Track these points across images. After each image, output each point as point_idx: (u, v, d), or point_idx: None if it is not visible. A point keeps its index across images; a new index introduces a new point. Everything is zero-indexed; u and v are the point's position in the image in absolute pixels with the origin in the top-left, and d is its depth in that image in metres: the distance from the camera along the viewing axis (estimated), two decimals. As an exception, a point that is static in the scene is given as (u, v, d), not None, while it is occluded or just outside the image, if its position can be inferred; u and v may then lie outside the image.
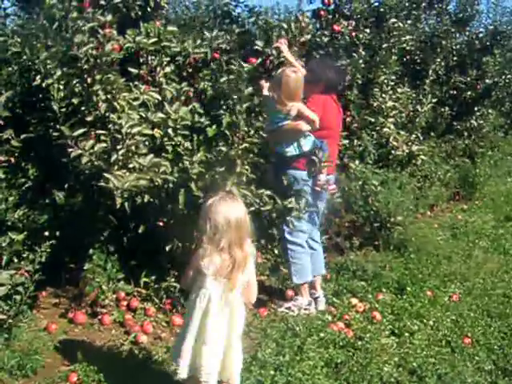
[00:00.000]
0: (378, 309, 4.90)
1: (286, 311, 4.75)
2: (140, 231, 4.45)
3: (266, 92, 4.50)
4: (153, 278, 4.61)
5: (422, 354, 4.27)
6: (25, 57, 4.19)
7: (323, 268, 5.10)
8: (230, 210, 2.98)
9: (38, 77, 3.95)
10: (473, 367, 4.19)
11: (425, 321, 4.82)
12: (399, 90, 7.23)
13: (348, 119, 6.23)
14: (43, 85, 3.93)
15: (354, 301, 5.00)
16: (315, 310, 4.85)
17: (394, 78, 7.05)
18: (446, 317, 4.97)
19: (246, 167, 4.13)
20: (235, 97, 4.05)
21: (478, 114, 10.25)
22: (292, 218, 4.27)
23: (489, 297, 5.57)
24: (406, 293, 5.31)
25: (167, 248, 4.43)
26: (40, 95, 4.37)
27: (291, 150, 4.49)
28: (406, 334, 4.56)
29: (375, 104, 6.68)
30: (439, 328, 4.76)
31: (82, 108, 3.87)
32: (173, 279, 4.54)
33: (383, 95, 6.77)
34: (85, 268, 4.37)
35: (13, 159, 4.22)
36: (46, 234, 4.20)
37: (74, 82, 3.82)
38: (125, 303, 4.55)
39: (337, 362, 3.97)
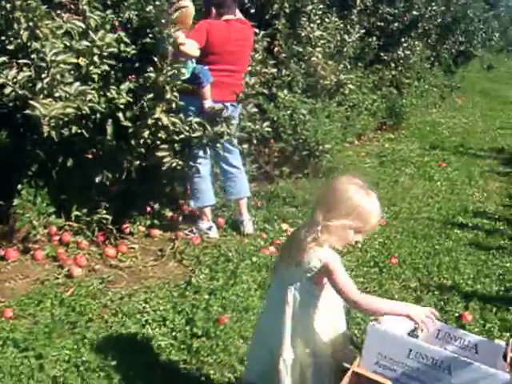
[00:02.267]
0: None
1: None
2: (69, 164, 4.39)
3: None
4: (84, 211, 4.58)
5: (351, 275, 4.41)
6: None
7: (245, 191, 5.11)
8: None
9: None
10: (399, 285, 4.40)
11: (354, 243, 4.97)
12: (327, 19, 7.21)
13: (276, 49, 6.21)
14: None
15: (285, 226, 5.12)
16: (217, 234, 4.94)
17: (321, 7, 7.03)
18: (374, 239, 5.16)
19: (175, 94, 4.09)
20: (163, 22, 3.97)
21: (404, 45, 10.38)
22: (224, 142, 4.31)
23: (414, 220, 5.82)
24: (336, 218, 5.46)
25: (97, 180, 4.40)
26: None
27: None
28: (337, 257, 4.71)
29: (303, 34, 6.67)
30: (368, 250, 4.95)
31: (2, 37, 3.73)
32: (104, 211, 4.53)
33: (311, 25, 6.75)
34: (14, 204, 4.29)
35: None
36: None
37: (-8, 9, 3.67)
38: (57, 238, 4.51)
39: (269, 284, 4.08)
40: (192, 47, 4.35)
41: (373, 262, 4.73)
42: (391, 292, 4.23)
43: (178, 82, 4.06)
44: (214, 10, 4.69)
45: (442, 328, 2.64)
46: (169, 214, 5.03)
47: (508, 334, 3.71)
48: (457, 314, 4.01)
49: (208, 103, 4.55)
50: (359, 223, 2.33)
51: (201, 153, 4.55)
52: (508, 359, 2.39)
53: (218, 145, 4.43)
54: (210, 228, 4.89)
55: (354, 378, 2.24)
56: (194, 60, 4.47)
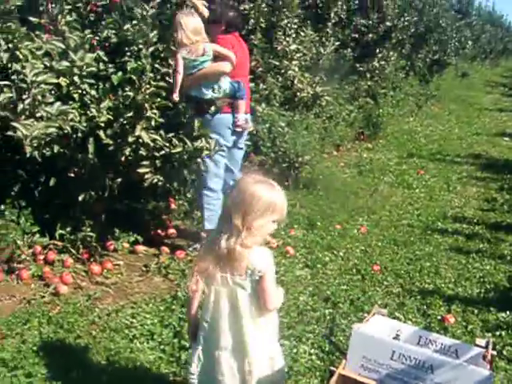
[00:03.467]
0: (291, 244, 5.10)
1: (191, 250, 4.84)
2: (51, 184, 4.42)
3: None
4: (68, 229, 4.60)
5: (334, 283, 4.52)
6: None
7: None
8: None
9: None
10: (382, 291, 4.47)
11: (336, 252, 5.08)
12: (302, 33, 7.32)
13: (253, 63, 6.28)
14: None
15: (268, 238, 5.15)
16: None
17: (296, 21, 7.14)
18: (355, 247, 5.25)
19: (155, 111, 4.15)
20: (140, 41, 4.04)
21: (379, 55, 10.53)
22: (204, 158, 4.37)
23: (395, 227, 5.91)
24: (317, 227, 5.57)
25: (80, 198, 4.43)
26: None
27: (211, 93, 4.47)
28: (319, 266, 4.79)
29: (279, 47, 6.77)
30: (350, 258, 5.03)
31: (-18, 59, 3.77)
32: (88, 229, 4.55)
33: (287, 38, 6.86)
34: (-3, 224, 4.31)
35: None
36: (-46, 192, 4.11)
37: (-29, 32, 3.71)
38: (42, 257, 4.51)
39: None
40: (234, 57, 4.50)
41: (355, 269, 4.81)
42: (374, 298, 4.30)
43: (158, 100, 4.12)
44: (222, 27, 4.74)
45: (422, 334, 2.71)
46: (152, 230, 5.07)
47: (490, 335, 3.80)
48: (439, 317, 4.08)
49: (242, 116, 4.66)
50: (276, 216, 2.44)
51: (217, 170, 4.68)
52: (487, 358, 2.47)
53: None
54: None
55: (341, 380, 2.30)
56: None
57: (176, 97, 4.29)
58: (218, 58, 4.44)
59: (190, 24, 4.31)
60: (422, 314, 4.15)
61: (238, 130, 4.72)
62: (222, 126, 4.62)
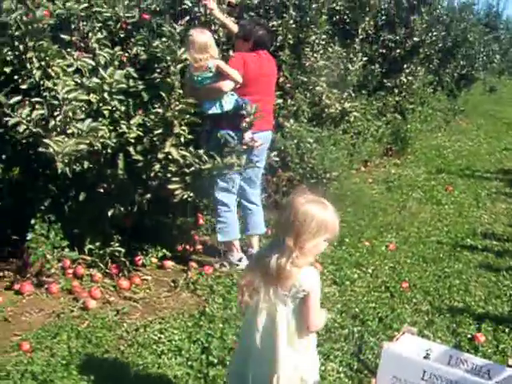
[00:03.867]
0: (319, 260, 5.06)
1: (218, 266, 4.87)
2: (81, 199, 4.46)
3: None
4: (97, 244, 4.64)
5: (363, 300, 4.49)
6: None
7: (261, 228, 5.13)
8: None
9: (-34, 46, 3.88)
10: (411, 309, 4.43)
11: (364, 269, 5.05)
12: (330, 49, 7.33)
13: (281, 79, 6.30)
14: (-27, 55, 3.86)
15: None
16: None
17: (324, 37, 7.14)
18: (384, 264, 5.22)
19: (184, 128, 4.18)
20: (169, 58, 4.08)
21: (407, 71, 10.47)
22: (234, 174, 4.39)
23: (423, 244, 5.86)
24: (345, 244, 5.54)
25: (109, 213, 4.48)
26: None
27: (213, 109, 4.50)
28: (347, 283, 4.76)
29: (307, 63, 6.78)
30: (378, 275, 4.99)
31: (15, 77, 3.83)
32: (117, 244, 4.59)
33: (315, 55, 6.87)
34: (28, 238, 4.35)
35: None
36: (-14, 207, 4.16)
37: (5, 50, 3.77)
38: (71, 271, 4.56)
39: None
40: (238, 75, 4.50)
41: (384, 286, 4.77)
42: (403, 316, 4.26)
43: (187, 116, 4.15)
44: (250, 44, 4.81)
45: (453, 354, 2.68)
46: (181, 245, 5.08)
47: (521, 355, 3.73)
48: (469, 336, 4.03)
49: (248, 134, 4.64)
50: (328, 235, 2.44)
51: (226, 184, 4.68)
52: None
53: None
54: (240, 259, 4.89)
55: (371, 400, 2.27)
56: (233, 91, 4.58)
57: None
58: (222, 75, 4.47)
59: (197, 41, 4.36)
60: (451, 332, 4.11)
61: (244, 147, 4.70)
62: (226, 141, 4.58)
